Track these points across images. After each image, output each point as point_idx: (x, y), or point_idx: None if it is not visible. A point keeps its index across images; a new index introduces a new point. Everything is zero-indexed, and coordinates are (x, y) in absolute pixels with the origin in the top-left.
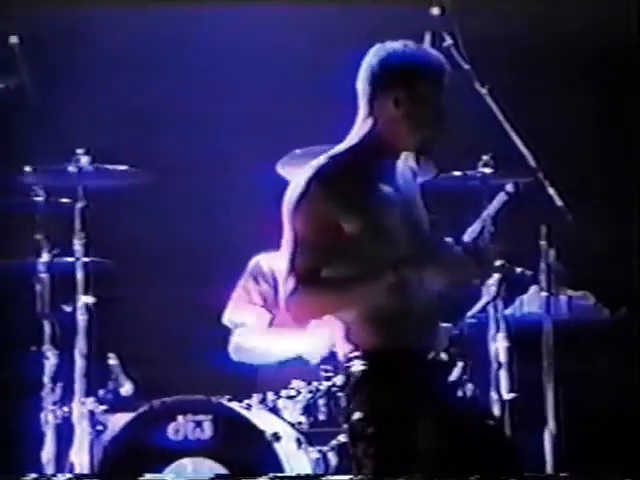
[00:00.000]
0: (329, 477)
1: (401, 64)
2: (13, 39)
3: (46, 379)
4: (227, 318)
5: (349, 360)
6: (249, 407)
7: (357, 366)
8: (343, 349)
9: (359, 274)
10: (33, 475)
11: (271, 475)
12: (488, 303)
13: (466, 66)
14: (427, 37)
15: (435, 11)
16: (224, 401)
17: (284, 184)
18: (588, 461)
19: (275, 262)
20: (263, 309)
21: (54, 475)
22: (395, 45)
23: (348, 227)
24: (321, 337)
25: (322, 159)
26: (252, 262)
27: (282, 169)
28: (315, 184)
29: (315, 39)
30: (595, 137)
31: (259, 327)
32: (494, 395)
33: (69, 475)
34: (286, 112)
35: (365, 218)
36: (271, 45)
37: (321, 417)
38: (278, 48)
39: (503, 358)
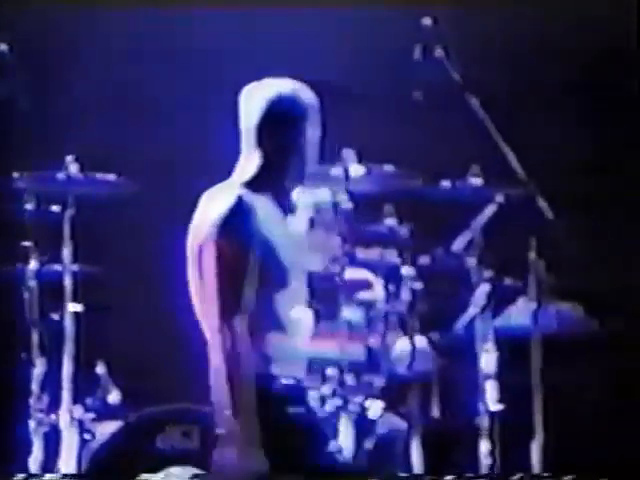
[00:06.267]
0: None
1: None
2: (2, 46)
3: (34, 386)
4: None
5: None
6: None
7: None
8: None
9: None
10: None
11: None
12: (476, 314)
13: (457, 77)
14: (417, 49)
15: (426, 22)
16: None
17: None
18: (575, 472)
19: None
20: None
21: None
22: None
23: None
24: None
25: None
26: None
27: None
28: None
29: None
30: (586, 149)
31: None
32: (482, 406)
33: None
34: None
35: None
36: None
37: None
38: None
39: (491, 369)
